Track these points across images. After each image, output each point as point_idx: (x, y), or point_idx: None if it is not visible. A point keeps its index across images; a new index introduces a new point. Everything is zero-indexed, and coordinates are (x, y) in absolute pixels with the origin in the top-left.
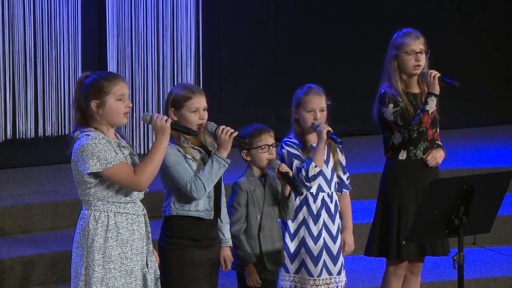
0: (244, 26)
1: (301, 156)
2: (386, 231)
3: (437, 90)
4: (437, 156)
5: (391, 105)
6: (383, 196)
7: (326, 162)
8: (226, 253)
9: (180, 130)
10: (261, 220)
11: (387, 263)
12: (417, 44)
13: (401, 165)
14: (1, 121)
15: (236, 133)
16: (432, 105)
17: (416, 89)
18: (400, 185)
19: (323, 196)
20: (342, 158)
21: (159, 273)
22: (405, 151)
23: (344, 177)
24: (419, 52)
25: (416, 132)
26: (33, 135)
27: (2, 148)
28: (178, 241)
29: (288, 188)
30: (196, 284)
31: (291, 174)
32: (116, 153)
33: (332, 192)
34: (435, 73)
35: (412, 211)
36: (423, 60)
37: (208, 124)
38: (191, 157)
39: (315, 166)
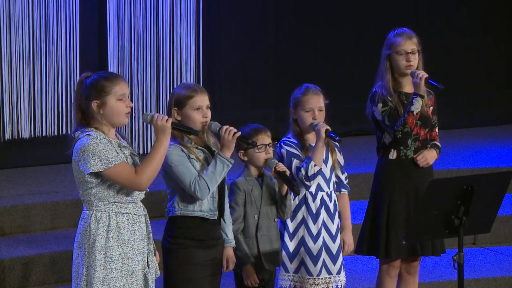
0: (244, 26)
1: (300, 155)
2: (375, 230)
3: (423, 91)
4: (428, 157)
5: (380, 105)
6: (374, 195)
7: (325, 161)
8: (229, 253)
9: (181, 130)
10: (258, 220)
11: (380, 262)
12: (409, 44)
13: (392, 164)
14: (0, 121)
15: (239, 133)
16: (417, 106)
17: (409, 89)
18: (391, 184)
19: (322, 196)
20: (340, 158)
21: (159, 273)
22: (396, 151)
23: (343, 177)
24: (410, 52)
25: (400, 133)
26: (32, 135)
27: (2, 148)
28: (181, 241)
29: (285, 187)
30: (199, 284)
31: (288, 173)
32: (117, 153)
33: (331, 192)
34: (422, 74)
35: (402, 210)
36: (414, 60)
37: (212, 124)
38: (194, 157)
39: (315, 165)
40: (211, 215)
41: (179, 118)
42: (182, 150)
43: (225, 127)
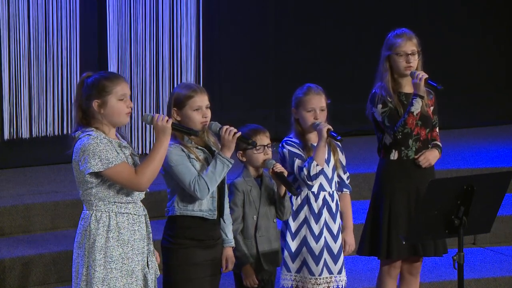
0: (244, 26)
1: (302, 155)
2: (377, 230)
3: (422, 91)
4: (430, 157)
5: (379, 106)
6: (375, 195)
7: (327, 161)
8: (228, 253)
9: (181, 131)
10: (257, 220)
11: (381, 263)
12: (409, 45)
13: (393, 165)
14: (0, 121)
15: (239, 134)
16: (417, 107)
17: (408, 89)
18: (392, 184)
19: (324, 195)
20: (342, 158)
21: (159, 273)
22: (397, 151)
23: (344, 177)
24: (410, 54)
25: (400, 134)
26: (32, 135)
27: (1, 148)
28: (181, 241)
29: (283, 188)
30: (198, 284)
31: (286, 173)
32: (118, 153)
33: (333, 191)
34: (422, 75)
35: (403, 211)
36: (414, 61)
37: (212, 124)
38: (194, 157)
39: (317, 165)
40: (211, 215)
41: (178, 118)
42: (182, 150)
43: (225, 127)
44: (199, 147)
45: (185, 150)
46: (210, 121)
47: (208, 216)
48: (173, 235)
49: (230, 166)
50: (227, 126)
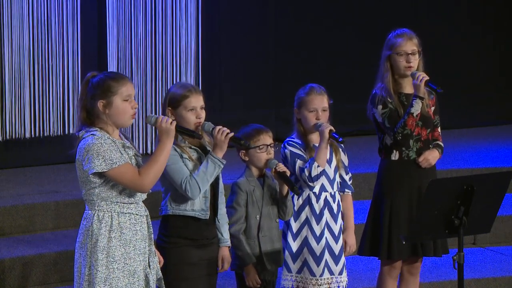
0: (244, 26)
1: (304, 156)
2: (377, 231)
3: (422, 93)
4: (429, 158)
5: (380, 106)
6: (376, 196)
7: (329, 162)
8: (224, 253)
9: (184, 133)
10: (260, 220)
11: (381, 263)
12: (409, 45)
13: (394, 165)
14: (1, 121)
15: (232, 134)
16: (417, 108)
17: (409, 90)
18: (393, 185)
19: (326, 196)
20: (344, 158)
21: (160, 274)
22: (398, 152)
23: (347, 177)
24: (410, 53)
25: (400, 135)
26: (33, 135)
27: (2, 148)
28: (175, 240)
29: (285, 188)
30: (193, 284)
31: (288, 173)
32: (121, 153)
33: (334, 192)
34: (422, 77)
35: (404, 211)
36: (415, 61)
37: (205, 124)
38: (187, 157)
39: (318, 166)
40: (203, 215)
41: (172, 118)
42: (175, 150)
43: (218, 127)
44: (193, 146)
45: (177, 149)
46: (204, 121)
47: (201, 216)
48: (167, 234)
49: (222, 166)
50: (220, 127)
